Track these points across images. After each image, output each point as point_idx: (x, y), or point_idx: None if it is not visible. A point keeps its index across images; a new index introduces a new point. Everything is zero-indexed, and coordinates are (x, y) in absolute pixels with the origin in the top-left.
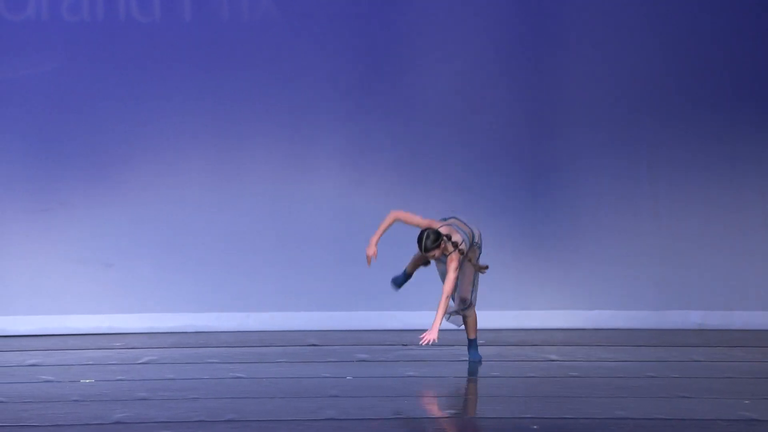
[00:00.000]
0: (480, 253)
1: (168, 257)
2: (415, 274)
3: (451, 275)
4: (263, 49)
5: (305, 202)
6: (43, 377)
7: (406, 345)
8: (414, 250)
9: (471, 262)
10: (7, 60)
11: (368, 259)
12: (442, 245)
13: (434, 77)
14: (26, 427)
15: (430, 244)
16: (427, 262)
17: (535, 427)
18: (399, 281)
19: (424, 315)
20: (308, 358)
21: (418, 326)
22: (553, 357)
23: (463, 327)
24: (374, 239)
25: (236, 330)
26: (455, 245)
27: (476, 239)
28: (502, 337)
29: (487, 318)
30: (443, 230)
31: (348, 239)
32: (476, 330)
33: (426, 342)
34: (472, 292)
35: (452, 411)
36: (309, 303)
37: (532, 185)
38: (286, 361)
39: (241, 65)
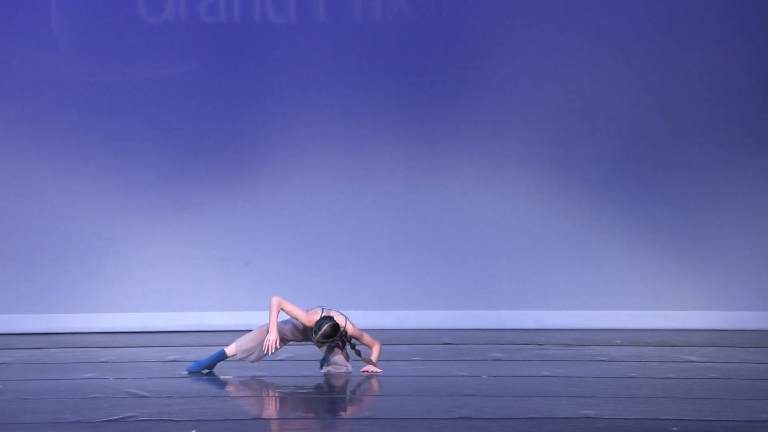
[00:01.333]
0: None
1: (303, 256)
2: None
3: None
4: (396, 49)
5: (441, 201)
6: (184, 373)
7: (541, 344)
8: None
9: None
10: (146, 61)
11: (271, 346)
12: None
13: (552, 79)
14: (168, 422)
15: (329, 333)
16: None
17: (675, 429)
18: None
19: (561, 315)
20: (443, 356)
21: (554, 326)
22: (693, 358)
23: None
24: (273, 327)
25: (370, 328)
26: (346, 336)
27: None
28: (640, 337)
29: (625, 319)
30: (338, 320)
31: (484, 237)
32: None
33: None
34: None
35: (589, 412)
36: (443, 301)
37: (668, 185)
38: (420, 360)
39: (373, 65)
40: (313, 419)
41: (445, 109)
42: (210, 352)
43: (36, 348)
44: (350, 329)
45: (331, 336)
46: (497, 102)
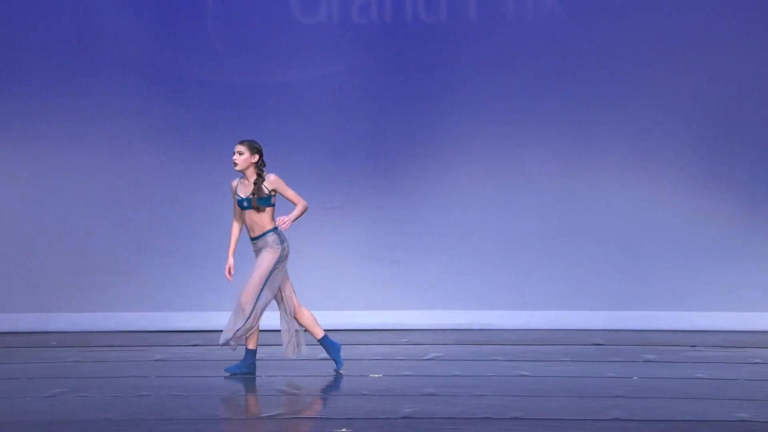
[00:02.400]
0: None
1: (451, 255)
2: None
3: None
4: (547, 48)
5: (592, 201)
6: (334, 371)
7: (694, 346)
8: None
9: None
10: (300, 61)
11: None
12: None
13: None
14: (319, 420)
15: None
16: None
17: None
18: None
19: (716, 316)
20: (592, 357)
21: (708, 327)
22: None
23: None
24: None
25: (520, 328)
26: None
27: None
28: None
29: None
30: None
31: (637, 237)
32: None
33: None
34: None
35: (744, 415)
36: (594, 302)
37: None
38: (570, 360)
39: (524, 64)
40: (465, 418)
41: (597, 106)
42: (360, 351)
43: (190, 345)
44: (273, 177)
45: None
46: (650, 100)
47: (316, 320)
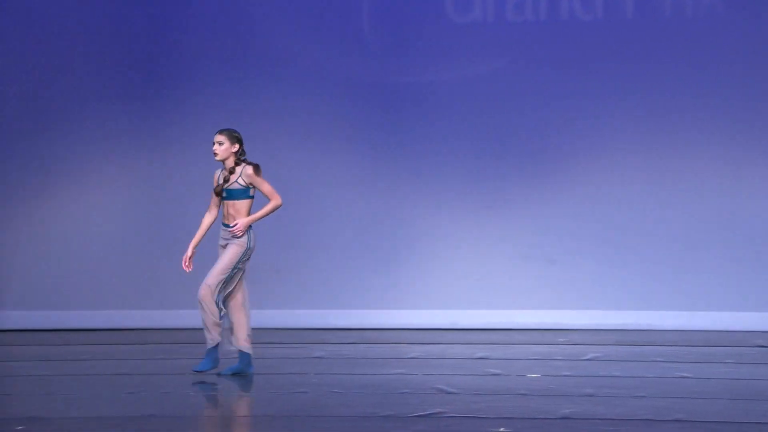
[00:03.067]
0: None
1: (609, 254)
2: None
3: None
4: (706, 45)
5: (751, 198)
6: (491, 370)
7: None
8: None
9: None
10: (453, 61)
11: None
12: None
13: None
14: (477, 419)
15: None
16: None
17: None
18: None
19: None
20: (757, 359)
21: None
22: None
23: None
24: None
25: (681, 329)
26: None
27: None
28: None
29: None
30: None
31: None
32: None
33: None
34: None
35: None
36: (757, 302)
37: None
38: (733, 362)
39: (682, 61)
40: (625, 420)
41: (764, 105)
42: (517, 351)
43: (347, 343)
44: (250, 171)
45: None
46: None
47: (241, 328)
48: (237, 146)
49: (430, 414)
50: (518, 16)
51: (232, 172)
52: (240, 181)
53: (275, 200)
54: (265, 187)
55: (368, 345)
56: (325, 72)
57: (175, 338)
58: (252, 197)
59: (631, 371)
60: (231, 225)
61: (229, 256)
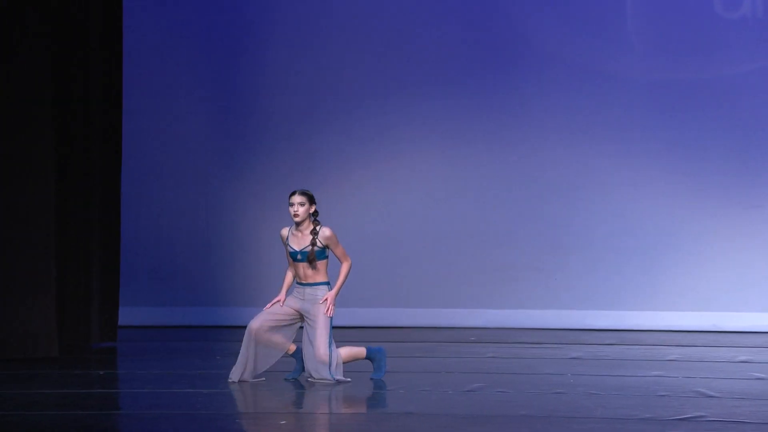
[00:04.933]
0: None
1: None
2: None
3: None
4: None
5: None
6: (755, 374)
7: None
8: None
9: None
10: (721, 57)
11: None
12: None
13: None
14: (739, 423)
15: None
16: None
17: None
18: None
19: None
20: None
21: None
22: None
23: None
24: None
25: None
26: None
27: None
28: None
29: None
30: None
31: None
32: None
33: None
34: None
35: None
36: None
37: None
38: None
39: None
40: None
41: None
42: None
43: (604, 344)
44: (328, 233)
45: (307, 201)
46: None
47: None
48: (313, 207)
49: (690, 417)
50: None
51: (314, 233)
52: (318, 243)
53: (347, 263)
54: (340, 249)
55: (626, 346)
56: (588, 69)
57: (430, 336)
58: (327, 257)
59: None
60: (308, 283)
61: (322, 320)
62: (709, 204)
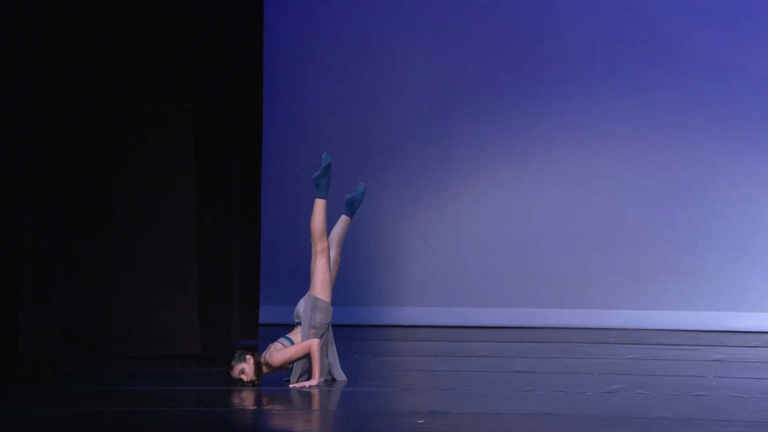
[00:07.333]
0: None
1: None
2: None
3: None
4: None
5: None
6: None
7: None
8: None
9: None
10: None
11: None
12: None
13: None
14: None
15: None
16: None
17: None
18: None
19: None
20: None
21: None
22: None
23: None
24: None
25: None
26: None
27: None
28: None
29: None
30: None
31: None
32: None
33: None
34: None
35: None
36: None
37: None
38: None
39: None
40: None
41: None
42: None
43: (748, 346)
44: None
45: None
46: None
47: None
48: (251, 360)
49: None
50: None
51: (260, 365)
52: (267, 363)
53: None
54: (293, 348)
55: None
56: (724, 66)
57: (569, 337)
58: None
59: None
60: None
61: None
62: None
